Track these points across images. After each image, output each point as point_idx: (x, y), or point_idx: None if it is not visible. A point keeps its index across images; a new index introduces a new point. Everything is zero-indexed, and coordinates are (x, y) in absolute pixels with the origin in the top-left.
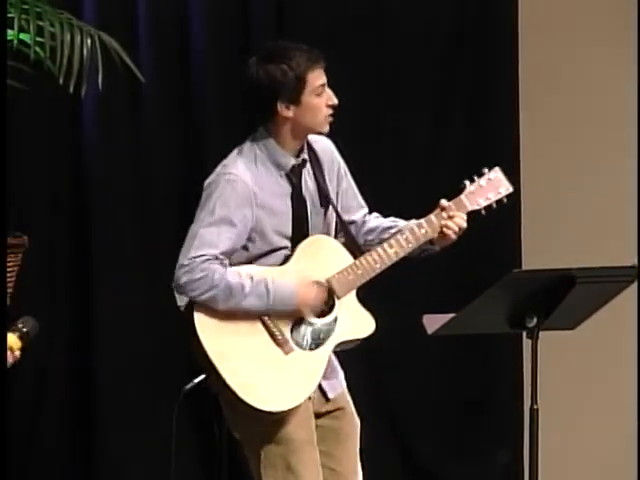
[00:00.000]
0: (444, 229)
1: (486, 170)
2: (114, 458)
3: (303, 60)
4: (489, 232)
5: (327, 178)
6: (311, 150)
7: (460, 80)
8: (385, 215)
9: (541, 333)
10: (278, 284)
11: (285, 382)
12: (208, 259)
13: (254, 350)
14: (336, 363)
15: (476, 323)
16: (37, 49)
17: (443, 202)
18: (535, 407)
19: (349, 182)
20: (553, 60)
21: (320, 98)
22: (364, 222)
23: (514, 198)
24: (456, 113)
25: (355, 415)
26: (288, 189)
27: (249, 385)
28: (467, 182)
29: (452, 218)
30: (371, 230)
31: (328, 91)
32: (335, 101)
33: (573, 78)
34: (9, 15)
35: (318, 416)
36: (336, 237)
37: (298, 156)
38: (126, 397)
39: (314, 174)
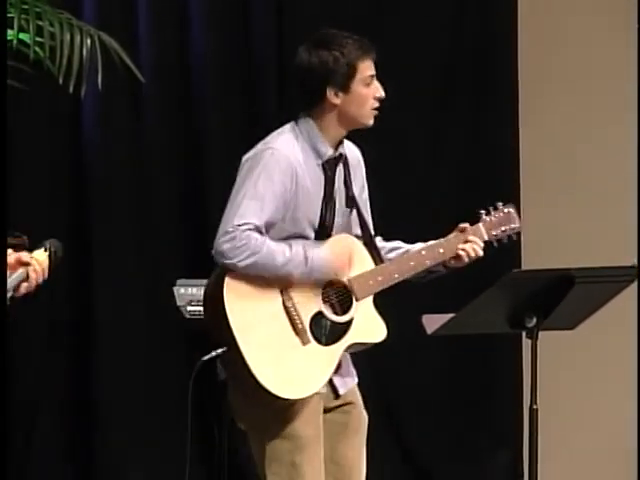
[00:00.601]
0: (460, 252)
1: (500, 205)
2: (114, 458)
3: (355, 48)
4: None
5: (353, 182)
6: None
7: (460, 80)
8: (385, 225)
9: (541, 333)
10: (315, 250)
11: (299, 371)
12: (249, 228)
13: (275, 333)
14: (347, 357)
15: (476, 323)
16: (37, 49)
17: (463, 225)
18: (535, 407)
19: (366, 195)
20: (553, 60)
21: (368, 89)
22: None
23: (514, 198)
24: (456, 114)
25: (364, 411)
26: (322, 179)
27: (265, 366)
28: (483, 212)
29: (469, 242)
30: (404, 252)
31: (376, 83)
32: (382, 94)
33: (573, 79)
34: (9, 15)
35: (327, 410)
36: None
37: (336, 149)
38: (126, 397)
39: (344, 174)
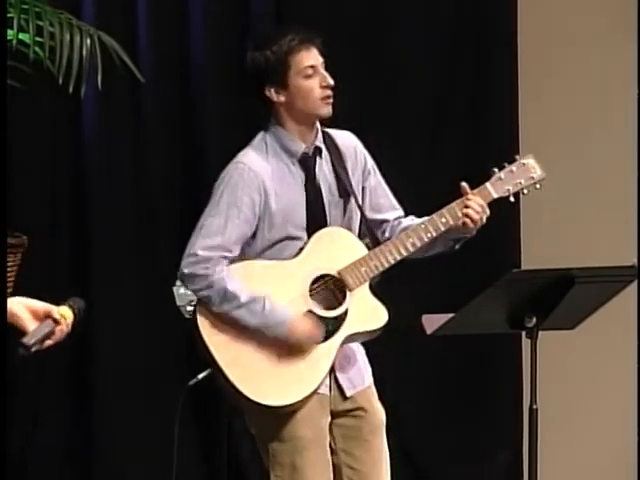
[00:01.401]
0: (463, 219)
1: (518, 156)
2: (114, 458)
3: (285, 43)
4: (489, 232)
5: (349, 170)
6: (332, 141)
7: (460, 80)
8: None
9: (541, 333)
10: (274, 309)
11: (289, 376)
12: (214, 255)
13: (258, 342)
14: (360, 358)
15: (475, 323)
16: (37, 49)
17: (464, 185)
18: (534, 407)
19: (378, 180)
20: (553, 60)
21: (309, 80)
22: (399, 222)
23: (514, 198)
24: (456, 113)
25: (380, 413)
26: (301, 176)
27: (250, 378)
28: (496, 169)
29: (469, 207)
30: (405, 229)
31: (321, 72)
32: (329, 82)
33: (573, 78)
34: (8, 15)
35: (337, 415)
36: (360, 233)
37: (311, 144)
38: (126, 397)
39: (332, 165)
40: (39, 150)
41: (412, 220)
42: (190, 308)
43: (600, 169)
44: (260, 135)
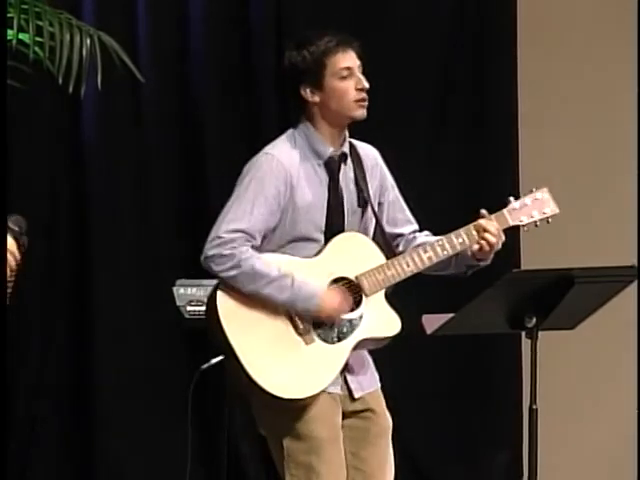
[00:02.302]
0: (480, 241)
1: (534, 189)
2: (114, 458)
3: (323, 44)
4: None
5: (369, 182)
6: (356, 152)
7: (460, 80)
8: None
9: (541, 333)
10: (304, 282)
11: (302, 371)
12: (239, 237)
13: (274, 337)
14: (369, 362)
15: (475, 323)
16: (36, 49)
17: (483, 212)
18: (534, 407)
19: (396, 195)
20: (553, 60)
21: (345, 82)
22: (414, 238)
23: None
24: (456, 113)
25: (387, 416)
26: (325, 179)
27: (265, 369)
28: (512, 198)
29: (486, 231)
30: (420, 245)
31: (357, 74)
32: (364, 85)
33: (573, 78)
34: (8, 15)
35: (345, 415)
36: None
37: (338, 149)
38: (126, 397)
39: (354, 173)
40: (39, 150)
41: (427, 236)
42: (190, 308)
43: (600, 169)
44: (290, 132)
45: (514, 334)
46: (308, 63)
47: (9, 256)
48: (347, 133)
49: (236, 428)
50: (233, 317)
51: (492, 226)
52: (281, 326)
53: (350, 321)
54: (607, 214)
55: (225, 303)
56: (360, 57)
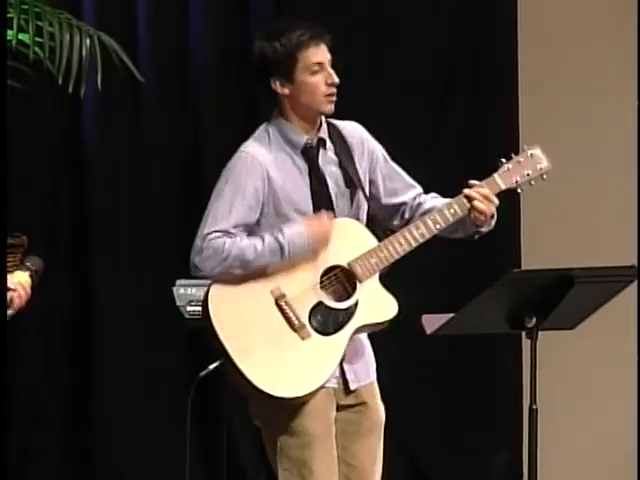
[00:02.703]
0: (472, 208)
1: (525, 147)
2: (114, 458)
3: (296, 37)
4: (489, 232)
5: (356, 161)
6: (338, 133)
7: (460, 80)
8: None
9: (541, 333)
10: (288, 232)
11: (301, 367)
12: (216, 236)
13: (270, 336)
14: (366, 351)
15: (475, 323)
16: (36, 49)
17: (472, 182)
18: (534, 407)
19: (391, 166)
20: (553, 60)
21: (315, 76)
22: (419, 204)
23: (514, 198)
24: (456, 112)
25: (380, 410)
26: (305, 167)
27: (263, 371)
28: (503, 160)
29: (476, 199)
30: (427, 212)
31: (327, 69)
32: (335, 80)
33: (573, 78)
34: (8, 15)
35: (339, 409)
36: (369, 223)
37: (314, 135)
38: (126, 397)
39: (337, 155)
40: (39, 150)
41: (433, 199)
42: (190, 308)
43: (600, 169)
44: (262, 127)
45: (514, 334)
46: (279, 55)
47: (22, 291)
48: (323, 118)
49: (236, 428)
50: (226, 320)
51: (477, 192)
52: (276, 324)
53: (346, 310)
54: (607, 214)
55: (217, 307)
56: (331, 50)
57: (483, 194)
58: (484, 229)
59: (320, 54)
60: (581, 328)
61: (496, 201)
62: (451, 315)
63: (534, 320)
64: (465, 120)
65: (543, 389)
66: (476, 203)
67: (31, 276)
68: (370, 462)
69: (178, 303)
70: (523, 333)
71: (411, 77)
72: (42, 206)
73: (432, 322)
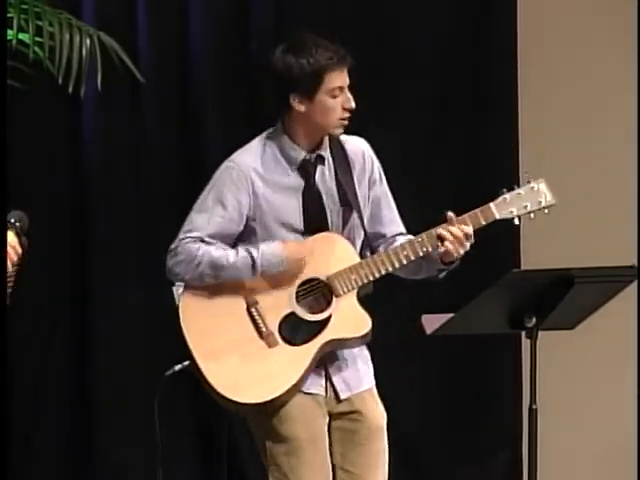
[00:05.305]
0: (442, 242)
1: (530, 179)
2: (114, 458)
3: (324, 58)
4: (488, 232)
5: (356, 179)
6: (341, 149)
7: (460, 80)
8: None
9: (541, 333)
10: (263, 249)
11: (263, 375)
12: (191, 240)
13: (236, 341)
14: (360, 361)
15: (475, 323)
16: (36, 49)
17: (449, 214)
18: (534, 407)
19: (384, 191)
20: (553, 60)
21: (335, 100)
22: (394, 241)
23: None
24: (456, 113)
25: (378, 417)
26: (299, 183)
27: (223, 373)
28: (504, 190)
29: (444, 237)
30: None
31: (347, 94)
32: (352, 105)
33: (573, 78)
34: (8, 15)
35: (334, 417)
36: (363, 244)
37: (314, 152)
38: (126, 397)
39: (336, 173)
40: (39, 150)
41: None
42: None
43: (600, 169)
44: (258, 139)
45: (514, 334)
46: (305, 73)
47: (10, 250)
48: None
49: (235, 428)
50: (195, 324)
51: (449, 233)
52: (244, 331)
53: (317, 322)
54: (607, 214)
55: (187, 311)
56: (351, 75)
57: (454, 234)
58: (451, 267)
59: (343, 78)
60: (581, 328)
61: (472, 238)
62: (451, 315)
63: (534, 320)
64: (465, 136)
65: (543, 389)
66: (446, 243)
67: (17, 234)
68: (369, 469)
69: (178, 303)
70: (523, 333)
71: (410, 78)
72: (42, 206)
73: (432, 322)
